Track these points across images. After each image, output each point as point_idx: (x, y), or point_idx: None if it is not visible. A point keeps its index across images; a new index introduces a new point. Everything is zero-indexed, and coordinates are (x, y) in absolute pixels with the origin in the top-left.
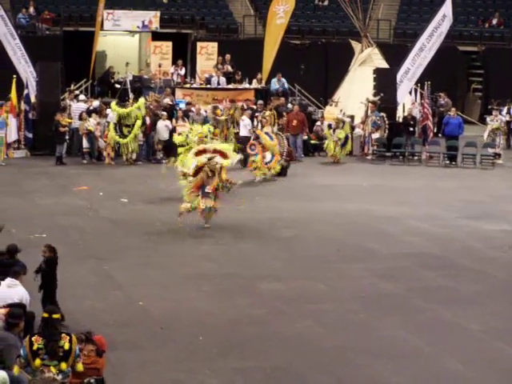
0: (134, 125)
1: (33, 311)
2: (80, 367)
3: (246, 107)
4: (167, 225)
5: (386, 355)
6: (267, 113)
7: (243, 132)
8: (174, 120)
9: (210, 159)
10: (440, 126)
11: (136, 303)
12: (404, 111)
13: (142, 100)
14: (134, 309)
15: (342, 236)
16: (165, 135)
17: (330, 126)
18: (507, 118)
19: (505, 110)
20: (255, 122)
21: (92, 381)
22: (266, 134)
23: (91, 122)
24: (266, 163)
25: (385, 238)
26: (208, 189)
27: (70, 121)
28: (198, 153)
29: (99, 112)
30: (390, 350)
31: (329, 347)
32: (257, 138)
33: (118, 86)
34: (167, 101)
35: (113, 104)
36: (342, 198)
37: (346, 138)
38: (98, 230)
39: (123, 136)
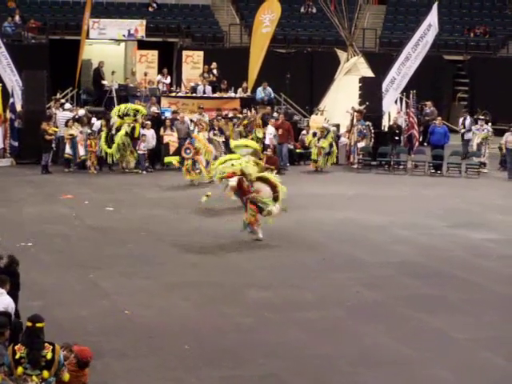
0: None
1: (21, 321)
2: (66, 377)
3: (231, 116)
4: (153, 233)
5: (372, 363)
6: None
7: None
8: (161, 129)
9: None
10: (425, 135)
11: (122, 312)
12: (390, 120)
13: (141, 109)
14: (120, 317)
15: (327, 245)
16: (152, 144)
17: (314, 134)
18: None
19: (461, 120)
20: (191, 126)
21: None
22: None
23: (75, 130)
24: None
25: (370, 246)
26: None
27: (56, 129)
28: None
29: (81, 121)
30: (376, 358)
31: (316, 355)
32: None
33: (105, 82)
34: (153, 109)
35: (113, 113)
36: (328, 207)
37: (331, 146)
38: (84, 239)
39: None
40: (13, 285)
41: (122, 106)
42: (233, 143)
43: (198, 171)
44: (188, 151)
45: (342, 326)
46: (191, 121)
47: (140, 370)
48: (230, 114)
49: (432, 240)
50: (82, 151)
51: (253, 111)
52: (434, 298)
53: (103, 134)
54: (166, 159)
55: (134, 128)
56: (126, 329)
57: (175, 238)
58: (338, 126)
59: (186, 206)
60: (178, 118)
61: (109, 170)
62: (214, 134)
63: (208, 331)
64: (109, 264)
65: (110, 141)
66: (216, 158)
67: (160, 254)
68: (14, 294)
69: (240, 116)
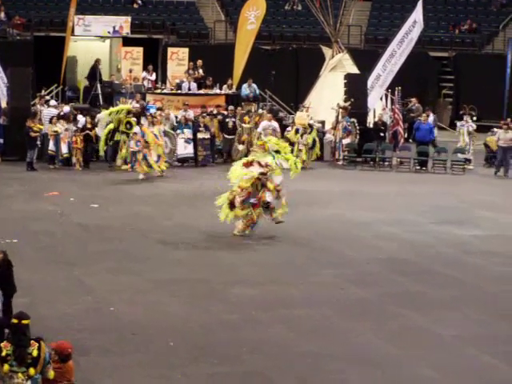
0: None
1: (7, 317)
2: (51, 374)
3: (216, 113)
4: (138, 230)
5: (358, 361)
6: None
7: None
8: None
9: (262, 174)
10: (410, 132)
11: (107, 308)
12: (375, 117)
13: (126, 106)
14: (106, 314)
15: (313, 241)
16: None
17: (297, 131)
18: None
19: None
20: (142, 120)
21: None
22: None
23: (59, 127)
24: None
25: (356, 243)
26: (254, 200)
27: (41, 127)
28: (247, 164)
29: (67, 118)
30: (362, 355)
31: (301, 353)
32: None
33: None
34: (135, 106)
35: (106, 112)
36: (313, 204)
37: (314, 142)
38: (70, 236)
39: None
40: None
41: (115, 110)
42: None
43: (148, 165)
44: (138, 143)
45: (328, 324)
46: (176, 117)
47: (125, 367)
48: (215, 111)
49: (418, 237)
50: (64, 149)
51: (260, 110)
52: (420, 295)
53: (104, 132)
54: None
55: (129, 123)
56: (111, 326)
57: (161, 235)
58: (323, 122)
59: (172, 202)
60: (163, 114)
61: (108, 168)
62: (200, 131)
63: (194, 328)
64: (94, 261)
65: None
66: (171, 152)
67: (146, 250)
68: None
69: (247, 111)
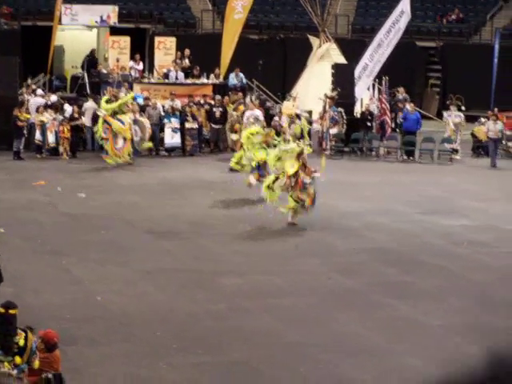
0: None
1: None
2: (36, 364)
3: (203, 102)
4: (126, 220)
5: (344, 350)
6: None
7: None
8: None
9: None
10: (397, 122)
11: (94, 298)
12: (362, 107)
13: (131, 95)
14: (93, 304)
15: (300, 231)
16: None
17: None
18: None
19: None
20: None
21: (50, 376)
22: (119, 120)
23: (46, 117)
24: (118, 149)
25: (343, 233)
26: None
27: (28, 116)
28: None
29: (55, 107)
30: (349, 345)
31: (288, 342)
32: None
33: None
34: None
35: (103, 102)
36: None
37: (302, 132)
38: (57, 225)
39: None
40: None
41: (116, 105)
42: (246, 133)
43: (115, 151)
44: (106, 131)
45: (314, 314)
46: (163, 107)
47: (112, 357)
48: (202, 101)
49: (405, 226)
50: (51, 138)
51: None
52: (406, 285)
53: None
54: (143, 145)
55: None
56: (98, 315)
57: (148, 225)
58: (310, 112)
59: (160, 192)
60: (150, 104)
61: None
62: (187, 121)
63: (180, 318)
64: (82, 250)
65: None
66: (142, 139)
67: (133, 240)
68: None
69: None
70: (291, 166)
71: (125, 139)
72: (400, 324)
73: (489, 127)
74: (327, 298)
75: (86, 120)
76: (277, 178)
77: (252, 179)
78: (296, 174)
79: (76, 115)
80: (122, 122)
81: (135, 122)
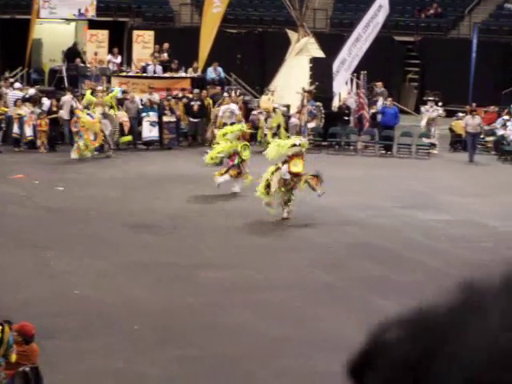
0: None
1: None
2: (13, 357)
3: (181, 96)
4: (103, 213)
5: (324, 345)
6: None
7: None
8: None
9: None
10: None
11: (73, 292)
12: (340, 101)
13: (116, 89)
14: (71, 297)
15: (279, 225)
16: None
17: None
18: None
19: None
20: (74, 103)
21: (27, 369)
22: (89, 114)
23: (24, 110)
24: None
25: (322, 227)
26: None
27: (5, 109)
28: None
29: (33, 100)
30: (328, 339)
31: (267, 337)
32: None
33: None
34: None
35: (88, 94)
36: None
37: (278, 127)
38: (35, 219)
39: None
40: None
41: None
42: (221, 133)
43: (85, 145)
44: (77, 125)
45: (293, 308)
46: (141, 100)
47: (90, 351)
48: (180, 94)
49: (384, 221)
50: (28, 131)
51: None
52: (386, 280)
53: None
54: (122, 139)
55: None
56: (76, 309)
57: (126, 218)
58: (288, 106)
59: (138, 185)
60: (128, 97)
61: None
62: (165, 114)
63: (159, 312)
64: (60, 244)
65: None
66: (111, 133)
67: (111, 234)
68: None
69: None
70: (294, 165)
71: (95, 134)
72: (378, 318)
73: (467, 122)
74: (307, 292)
75: (63, 113)
76: (268, 185)
77: (220, 179)
78: (298, 175)
79: (54, 108)
80: (92, 117)
81: (105, 115)
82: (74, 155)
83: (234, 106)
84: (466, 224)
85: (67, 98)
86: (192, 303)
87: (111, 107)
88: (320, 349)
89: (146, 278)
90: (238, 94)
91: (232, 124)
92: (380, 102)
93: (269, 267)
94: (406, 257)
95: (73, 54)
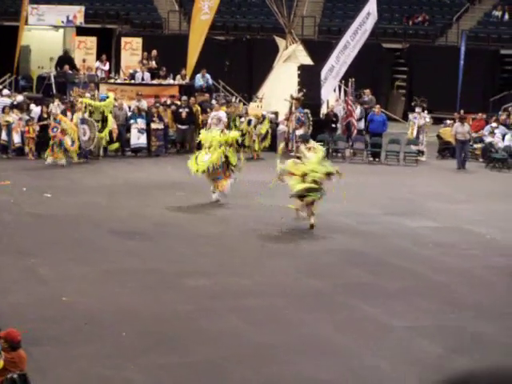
0: (102, 120)
1: None
2: (0, 364)
3: (169, 103)
4: (91, 220)
5: (310, 352)
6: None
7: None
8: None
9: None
10: (364, 123)
11: (60, 298)
12: (328, 108)
13: (111, 97)
14: (58, 304)
15: (266, 232)
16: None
17: (249, 122)
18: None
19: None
20: (53, 109)
21: (15, 376)
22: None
23: (12, 117)
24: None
25: (309, 234)
26: None
27: None
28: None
29: (21, 107)
30: (314, 346)
31: (254, 343)
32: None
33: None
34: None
35: (86, 99)
36: (268, 195)
37: (267, 132)
38: (22, 225)
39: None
40: None
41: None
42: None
43: (63, 150)
44: (55, 129)
45: (281, 315)
46: (129, 107)
47: (78, 358)
48: (169, 101)
49: (371, 228)
50: (16, 138)
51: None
52: (372, 286)
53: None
54: (110, 146)
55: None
56: (64, 316)
57: (114, 225)
58: (276, 113)
59: (125, 192)
60: (117, 104)
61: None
62: (153, 121)
63: (146, 318)
64: (47, 251)
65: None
66: (90, 139)
67: (98, 240)
68: None
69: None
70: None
71: (73, 139)
72: (365, 325)
73: (457, 129)
74: (294, 298)
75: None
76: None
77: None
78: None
79: (45, 115)
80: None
81: (83, 121)
82: (49, 160)
83: (221, 113)
84: (454, 231)
85: (55, 104)
86: (180, 309)
87: (103, 113)
88: (307, 355)
89: (133, 284)
90: (238, 101)
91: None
92: (358, 109)
93: (256, 273)
94: (394, 264)
95: (65, 61)
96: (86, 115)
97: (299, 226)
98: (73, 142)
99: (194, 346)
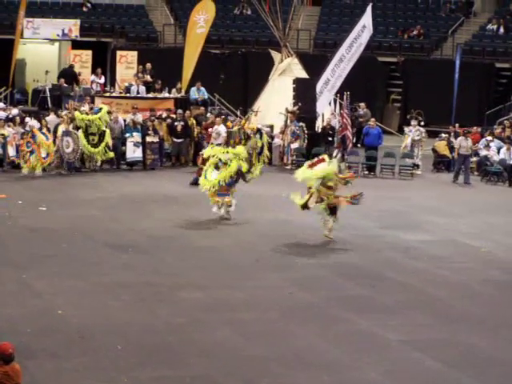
0: (98, 133)
1: None
2: None
3: (164, 116)
4: (86, 233)
5: (304, 365)
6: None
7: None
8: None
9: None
10: (359, 137)
11: (55, 312)
12: (324, 122)
13: (105, 108)
14: (53, 317)
15: (260, 245)
16: None
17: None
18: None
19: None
20: (30, 122)
21: None
22: (44, 134)
23: (8, 130)
24: (44, 158)
25: (303, 247)
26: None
27: None
28: (312, 164)
29: (15, 121)
30: (308, 360)
31: (248, 356)
32: (33, 136)
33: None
34: (83, 109)
35: (77, 113)
36: (261, 208)
37: (262, 147)
38: (17, 239)
39: (91, 145)
40: None
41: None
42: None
43: (33, 161)
44: (29, 144)
45: (274, 328)
46: (124, 121)
47: (72, 371)
48: (164, 115)
49: (365, 241)
50: (11, 152)
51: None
52: (366, 300)
53: (81, 134)
54: (106, 155)
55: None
56: (58, 329)
57: (108, 238)
58: (271, 126)
59: (120, 205)
60: (112, 118)
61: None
62: (148, 134)
63: (140, 331)
64: (42, 264)
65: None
66: (74, 151)
67: (93, 253)
68: None
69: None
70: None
71: (48, 152)
72: (359, 338)
73: (461, 143)
74: (287, 312)
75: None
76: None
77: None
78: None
79: (44, 129)
80: (47, 137)
81: (67, 133)
82: (24, 170)
83: (221, 128)
84: (449, 244)
85: (51, 118)
86: (173, 322)
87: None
88: (300, 368)
89: (127, 297)
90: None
91: (218, 145)
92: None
93: (249, 287)
94: (389, 277)
95: (67, 75)
96: (71, 127)
97: (294, 239)
98: (47, 154)
99: (188, 359)
